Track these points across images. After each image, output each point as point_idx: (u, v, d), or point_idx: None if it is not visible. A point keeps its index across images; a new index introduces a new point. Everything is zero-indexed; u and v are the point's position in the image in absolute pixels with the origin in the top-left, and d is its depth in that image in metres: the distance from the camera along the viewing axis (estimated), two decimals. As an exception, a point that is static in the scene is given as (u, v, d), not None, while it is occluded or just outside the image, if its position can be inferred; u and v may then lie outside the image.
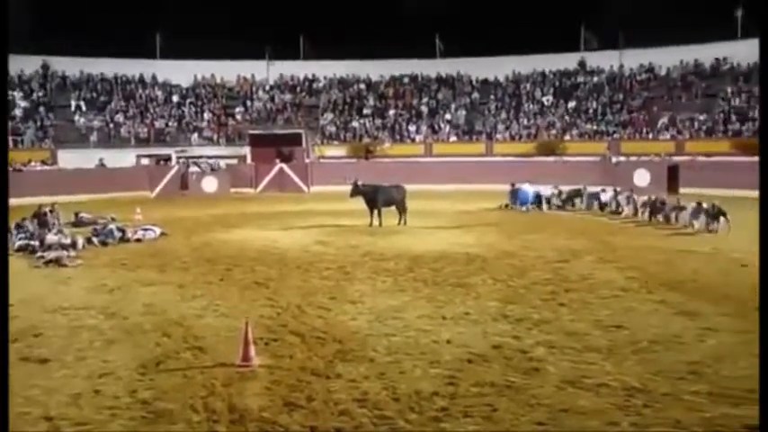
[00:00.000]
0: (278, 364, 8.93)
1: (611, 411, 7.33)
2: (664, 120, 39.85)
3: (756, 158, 31.41)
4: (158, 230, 20.53)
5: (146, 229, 20.39)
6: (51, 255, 16.40)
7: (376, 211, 21.99)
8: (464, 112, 44.61)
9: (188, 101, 45.22)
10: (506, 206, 27.22)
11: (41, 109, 41.61)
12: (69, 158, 37.60)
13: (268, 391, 7.98)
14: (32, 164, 36.37)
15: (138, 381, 8.36)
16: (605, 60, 44.85)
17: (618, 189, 26.37)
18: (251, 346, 8.94)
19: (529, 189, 27.35)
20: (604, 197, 25.82)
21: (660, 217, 22.69)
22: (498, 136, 42.45)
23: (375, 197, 22.13)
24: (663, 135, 39.24)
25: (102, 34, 40.85)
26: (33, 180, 32.54)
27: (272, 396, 7.84)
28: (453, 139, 42.96)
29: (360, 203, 22.43)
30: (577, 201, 26.87)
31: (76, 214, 23.36)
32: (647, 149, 36.98)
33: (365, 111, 45.19)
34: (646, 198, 24.03)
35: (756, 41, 37.17)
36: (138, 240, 19.58)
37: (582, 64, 45.51)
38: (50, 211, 21.47)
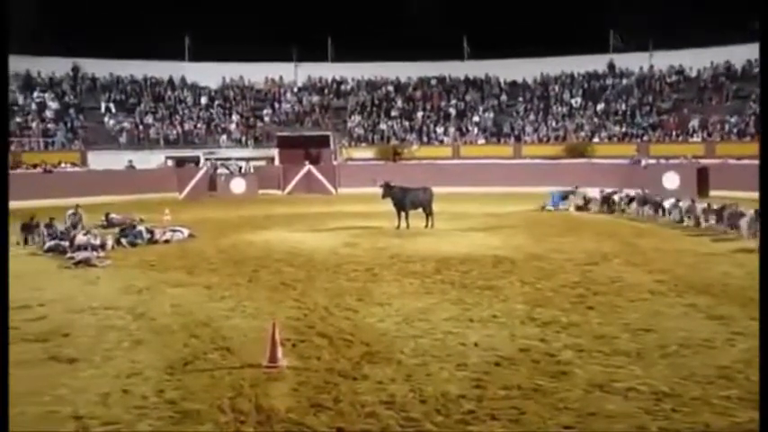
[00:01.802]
0: (305, 365, 8.95)
1: (640, 415, 7.26)
2: (694, 122, 39.44)
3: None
4: (186, 232, 20.66)
5: (174, 231, 20.53)
6: (81, 255, 16.57)
7: (403, 213, 21.95)
8: (492, 115, 44.47)
9: (216, 103, 45.51)
10: (579, 207, 27.06)
11: (72, 111, 42.05)
12: (99, 160, 37.96)
13: (295, 393, 8.00)
14: (63, 165, 36.77)
15: (165, 381, 8.42)
16: (635, 62, 44.44)
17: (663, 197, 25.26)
18: (278, 348, 8.97)
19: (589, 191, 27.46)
20: (667, 204, 24.04)
21: (722, 226, 20.50)
22: (526, 138, 42.25)
23: (402, 199, 22.09)
24: (693, 138, 38.82)
25: (132, 37, 41.21)
26: (64, 181, 32.87)
27: (299, 397, 7.86)
28: (481, 141, 42.82)
29: (387, 205, 22.41)
30: (646, 207, 24.92)
31: (107, 215, 23.57)
32: (677, 152, 36.55)
33: (393, 113, 45.20)
34: (705, 206, 22.06)
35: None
36: (167, 242, 19.73)
37: (611, 66, 45.14)
38: (73, 213, 21.38)
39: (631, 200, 25.90)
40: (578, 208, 26.90)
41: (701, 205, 22.40)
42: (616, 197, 26.59)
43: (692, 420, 7.14)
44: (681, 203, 23.49)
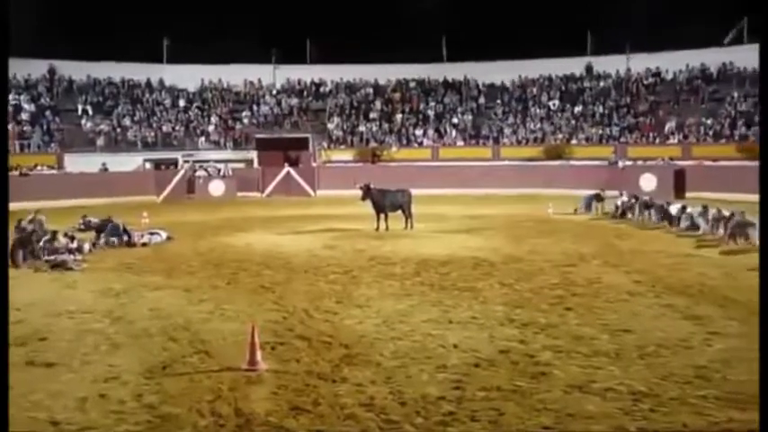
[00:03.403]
0: (284, 368, 8.92)
1: (619, 416, 7.30)
2: (671, 124, 39.78)
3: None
4: (165, 234, 20.52)
5: (152, 233, 20.37)
6: (57, 258, 16.41)
7: (382, 215, 21.98)
8: (471, 117, 44.60)
9: (195, 105, 45.32)
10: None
11: (48, 113, 41.72)
12: (76, 163, 37.71)
13: (274, 396, 7.98)
14: (39, 168, 36.46)
15: (144, 385, 8.36)
16: (612, 65, 44.77)
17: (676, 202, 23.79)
18: (257, 351, 8.94)
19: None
20: (673, 210, 22.31)
21: (727, 236, 18.66)
22: (505, 140, 42.41)
23: (382, 201, 22.12)
24: (670, 139, 39.17)
25: (110, 38, 41.02)
26: (40, 184, 32.55)
27: (279, 400, 7.83)
28: (460, 143, 42.93)
29: (366, 208, 22.42)
30: (648, 213, 23.50)
31: (83, 217, 23.33)
32: (654, 154, 36.95)
33: (372, 115, 45.20)
34: (715, 212, 20.12)
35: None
36: (145, 244, 19.57)
37: (589, 68, 45.44)
38: (30, 221, 19.47)
39: (648, 206, 23.90)
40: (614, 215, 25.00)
41: (712, 211, 20.51)
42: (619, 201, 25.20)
43: (670, 420, 7.19)
44: (689, 210, 21.57)
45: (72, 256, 16.64)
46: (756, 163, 31.23)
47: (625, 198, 25.29)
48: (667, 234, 20.82)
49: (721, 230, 19.45)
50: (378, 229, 21.73)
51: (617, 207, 25.09)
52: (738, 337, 10.00)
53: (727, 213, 19.54)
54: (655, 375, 8.45)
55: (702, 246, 18.44)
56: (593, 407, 7.53)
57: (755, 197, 24.40)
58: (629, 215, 24.34)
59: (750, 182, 28.13)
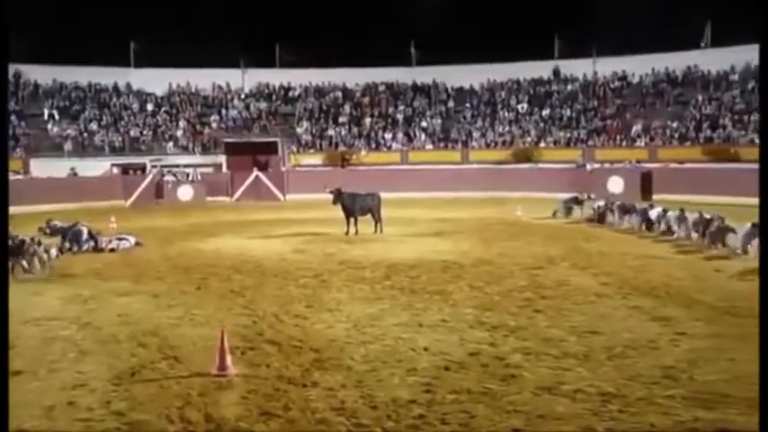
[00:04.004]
0: (254, 373, 8.89)
1: (587, 417, 7.37)
2: (637, 127, 40.20)
3: (728, 165, 32.14)
4: (133, 240, 20.32)
5: (120, 239, 20.15)
6: (30, 249, 16.16)
7: (352, 219, 21.98)
8: (440, 120, 44.73)
9: (163, 109, 44.97)
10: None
11: (13, 118, 41.16)
12: (42, 167, 37.27)
13: (244, 401, 7.95)
14: (4, 173, 35.98)
15: (112, 392, 8.28)
16: (579, 68, 45.11)
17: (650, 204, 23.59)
18: (227, 356, 8.90)
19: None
20: (653, 214, 21.91)
21: (707, 240, 18.31)
22: (474, 143, 42.58)
23: (352, 205, 22.13)
24: (636, 142, 39.58)
25: (76, 42, 40.52)
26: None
27: (249, 405, 7.80)
28: (429, 146, 43.04)
29: (336, 211, 22.40)
30: (627, 217, 23.06)
31: (48, 222, 22.99)
32: (621, 156, 37.35)
33: (341, 119, 45.18)
34: (697, 216, 19.35)
35: (725, 50, 38.04)
36: (113, 250, 19.38)
37: (556, 72, 45.74)
38: None
39: (626, 210, 23.40)
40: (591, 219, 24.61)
41: (693, 215, 19.73)
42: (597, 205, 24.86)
43: (638, 420, 7.27)
44: (670, 213, 21.08)
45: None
46: (721, 165, 32.07)
47: (601, 202, 25.08)
48: (643, 238, 20.82)
49: (697, 234, 19.15)
50: (348, 232, 21.72)
51: (593, 210, 24.80)
52: (704, 337, 10.13)
53: (708, 217, 18.97)
54: (623, 376, 8.53)
55: (676, 249, 18.53)
56: (562, 408, 7.59)
57: (721, 199, 24.96)
58: (609, 219, 23.96)
59: (715, 184, 28.83)
